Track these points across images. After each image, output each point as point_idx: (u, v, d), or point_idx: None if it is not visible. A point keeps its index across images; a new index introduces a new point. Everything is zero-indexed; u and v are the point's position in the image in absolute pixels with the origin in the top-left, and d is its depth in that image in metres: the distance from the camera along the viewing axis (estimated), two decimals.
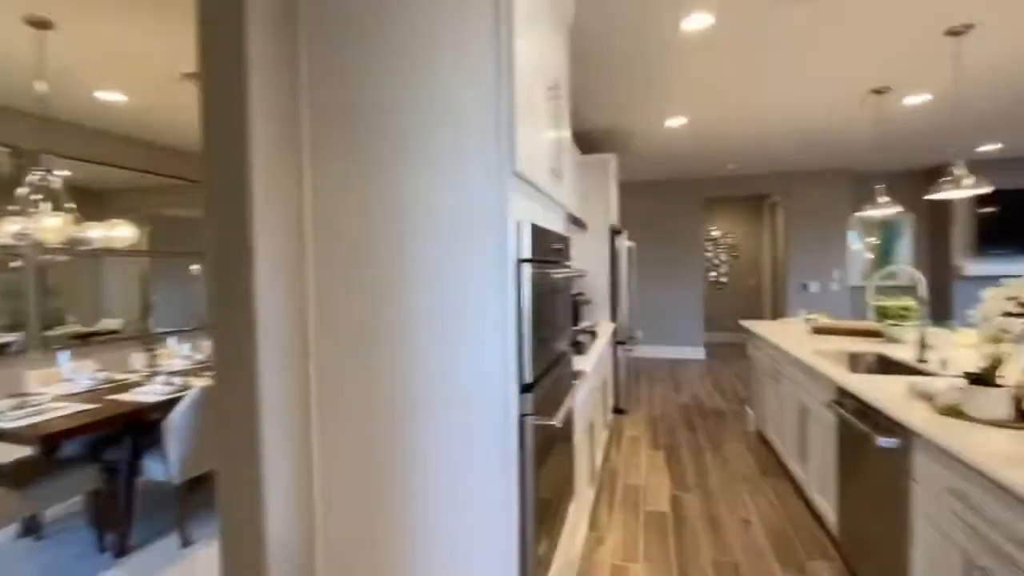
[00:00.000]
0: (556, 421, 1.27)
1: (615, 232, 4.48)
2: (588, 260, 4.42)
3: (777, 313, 7.22)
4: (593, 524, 2.59)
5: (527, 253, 1.22)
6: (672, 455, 3.49)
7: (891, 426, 1.66)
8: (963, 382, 1.55)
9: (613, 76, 3.22)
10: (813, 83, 3.39)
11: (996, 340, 1.62)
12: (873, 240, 7.12)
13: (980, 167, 6.07)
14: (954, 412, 1.56)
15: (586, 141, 4.69)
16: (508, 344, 1.17)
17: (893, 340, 2.96)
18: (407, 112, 1.20)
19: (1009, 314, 1.51)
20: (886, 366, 2.63)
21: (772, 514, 2.65)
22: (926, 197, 3.18)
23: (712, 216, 8.32)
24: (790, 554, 2.28)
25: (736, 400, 4.85)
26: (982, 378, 1.51)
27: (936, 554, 1.45)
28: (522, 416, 1.21)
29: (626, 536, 2.47)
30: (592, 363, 2.61)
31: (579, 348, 2.85)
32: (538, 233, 1.33)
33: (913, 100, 3.73)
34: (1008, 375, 1.55)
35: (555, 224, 1.78)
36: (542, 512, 1.34)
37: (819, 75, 3.25)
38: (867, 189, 6.72)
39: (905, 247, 6.84)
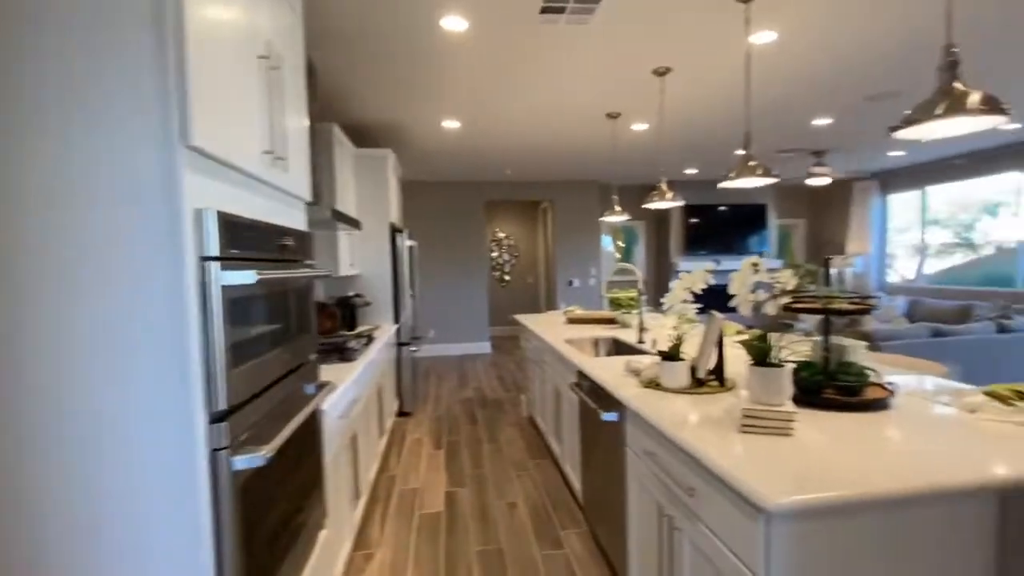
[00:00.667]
0: (266, 451, 1.07)
1: (396, 231, 4.36)
2: (366, 260, 4.20)
3: (550, 306, 8.09)
4: (361, 542, 2.41)
5: (215, 249, 0.99)
6: (452, 452, 3.53)
7: (612, 401, 1.91)
8: (658, 359, 1.87)
9: (380, 67, 3.08)
10: (564, 102, 3.81)
11: (690, 322, 2.00)
12: (620, 243, 8.55)
13: (687, 186, 7.87)
14: (654, 384, 1.86)
15: (361, 134, 4.44)
16: (188, 362, 0.93)
17: (625, 326, 3.52)
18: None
19: (687, 300, 1.87)
20: (619, 348, 3.09)
21: (535, 494, 2.87)
22: (643, 206, 3.87)
23: (496, 218, 8.88)
24: (548, 529, 2.49)
25: (515, 389, 5.22)
26: (670, 354, 1.83)
27: (643, 509, 1.70)
28: (214, 452, 0.98)
29: (397, 546, 2.37)
30: (358, 371, 2.44)
31: (346, 355, 2.64)
32: (242, 226, 1.11)
33: (637, 127, 4.52)
34: (688, 350, 1.92)
35: (283, 217, 1.56)
36: (263, 558, 1.12)
37: (567, 96, 3.67)
38: (609, 198, 8.06)
39: (641, 248, 8.38)
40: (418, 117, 4.08)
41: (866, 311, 1.60)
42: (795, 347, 2.04)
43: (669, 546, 1.48)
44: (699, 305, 1.96)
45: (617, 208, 4.24)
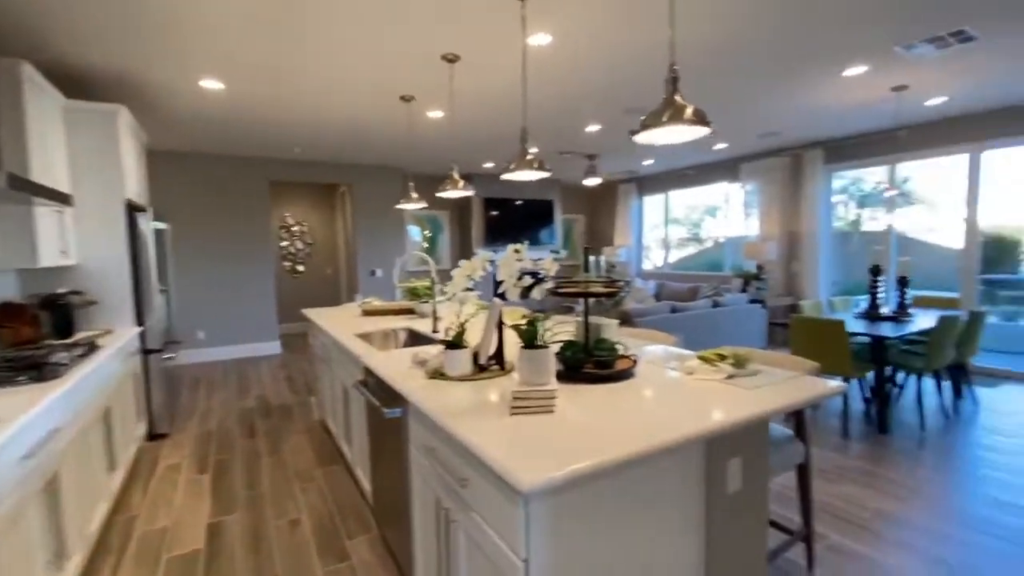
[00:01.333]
0: None
1: (135, 209, 3.48)
2: (89, 247, 3.26)
3: (352, 299, 7.61)
4: None
5: None
6: (220, 474, 3.00)
7: (395, 396, 1.80)
8: (443, 348, 1.82)
9: None
10: (353, 78, 3.52)
11: (484, 309, 1.99)
12: (427, 232, 8.49)
13: (486, 179, 8.21)
14: (439, 375, 1.81)
15: (79, 83, 3.42)
16: None
17: (423, 315, 3.45)
18: None
19: (469, 288, 1.87)
20: (416, 339, 3.00)
21: (322, 505, 2.61)
22: (436, 194, 3.84)
23: (286, 201, 7.94)
24: (333, 542, 2.27)
25: (307, 391, 4.74)
26: (453, 342, 1.80)
27: (425, 505, 1.64)
28: None
29: None
30: (61, 391, 1.84)
31: (45, 372, 1.98)
32: None
33: (433, 113, 4.47)
34: (474, 337, 1.92)
35: None
36: None
37: (356, 72, 3.40)
38: (421, 187, 7.95)
39: (446, 238, 8.47)
40: (166, 71, 3.31)
41: (615, 293, 1.80)
42: (563, 328, 2.21)
43: (446, 539, 1.44)
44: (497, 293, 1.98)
45: (414, 195, 4.13)
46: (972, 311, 3.67)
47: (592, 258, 1.87)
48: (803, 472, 1.92)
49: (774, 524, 2.10)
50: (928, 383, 4.35)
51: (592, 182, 6.66)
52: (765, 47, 3.16)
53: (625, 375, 1.77)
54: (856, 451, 3.13)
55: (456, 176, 3.53)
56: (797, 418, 1.93)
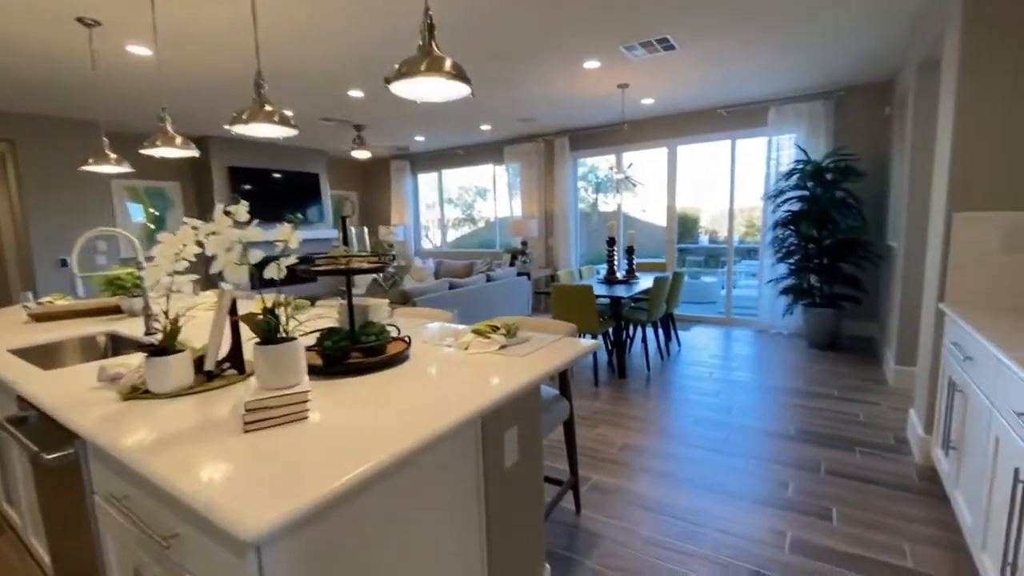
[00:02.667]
0: None
1: None
2: None
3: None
4: None
5: None
6: None
7: (67, 433, 1.25)
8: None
9: None
10: None
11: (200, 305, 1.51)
12: (152, 210, 6.72)
13: (234, 145, 6.86)
14: (140, 393, 1.32)
15: None
16: None
17: (134, 314, 2.63)
18: None
19: (180, 272, 1.40)
20: (120, 347, 2.25)
21: None
22: (140, 151, 2.93)
23: None
24: None
25: None
26: (161, 348, 1.33)
27: (124, 574, 1.18)
28: None
29: None
30: None
31: None
32: None
33: (136, 50, 3.41)
34: (196, 337, 1.46)
35: None
36: None
37: None
38: (129, 150, 6.16)
39: (179, 217, 6.85)
40: None
41: (381, 268, 1.59)
42: (326, 314, 1.90)
43: None
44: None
45: (111, 155, 3.10)
46: (674, 272, 4.64)
47: (353, 230, 1.61)
48: (568, 427, 2.07)
49: (546, 479, 2.24)
50: (650, 332, 5.40)
51: (361, 154, 6.21)
52: (514, 33, 3.28)
53: (398, 360, 1.59)
54: (605, 396, 3.65)
55: (169, 129, 2.75)
56: (562, 378, 2.06)
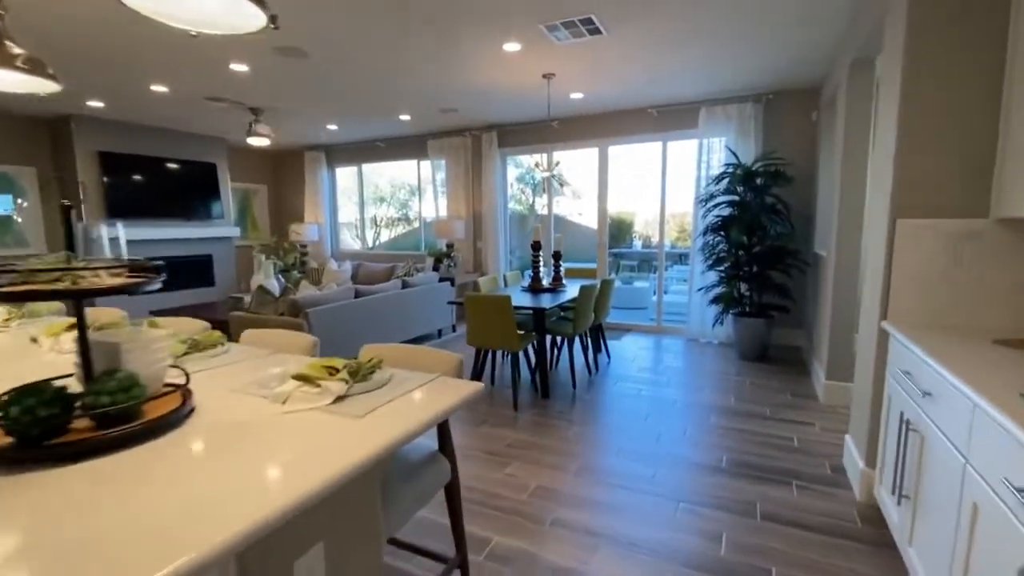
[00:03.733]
0: None
1: None
2: None
3: None
4: None
5: None
6: None
7: None
8: None
9: None
10: None
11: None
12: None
13: (103, 127, 5.80)
14: None
15: None
16: None
17: None
18: None
19: None
20: None
21: None
22: None
23: None
24: None
25: None
26: None
27: None
28: None
29: None
30: None
31: None
32: None
33: None
34: None
35: None
36: None
37: None
38: None
39: (35, 210, 5.72)
40: None
41: (133, 287, 1.03)
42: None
43: None
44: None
45: None
46: (603, 280, 4.29)
47: (81, 226, 1.03)
48: (451, 492, 1.57)
49: (426, 553, 1.74)
50: (577, 345, 5.05)
51: (258, 141, 5.43)
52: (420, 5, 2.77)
53: (161, 427, 1.03)
54: (523, 423, 3.20)
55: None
56: (441, 431, 1.56)
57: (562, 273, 4.42)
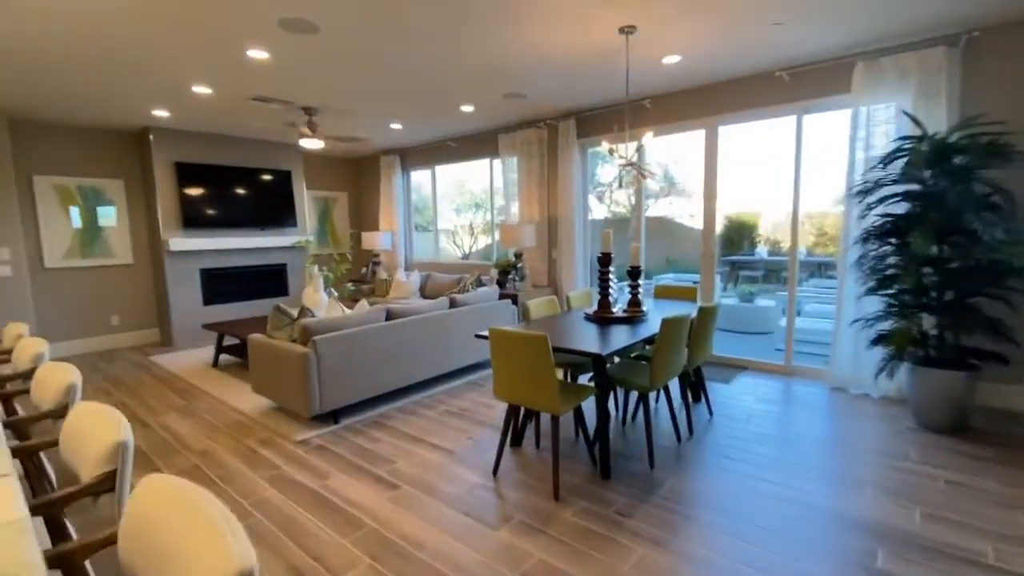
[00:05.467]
0: None
1: None
2: None
3: None
4: None
5: None
6: None
7: None
8: None
9: None
10: None
11: None
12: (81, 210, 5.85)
13: (179, 137, 5.71)
14: None
15: None
16: None
17: None
18: None
19: None
20: None
21: None
22: None
23: None
24: None
25: None
26: None
27: None
28: None
29: None
30: None
31: None
32: None
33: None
34: None
35: None
36: None
37: None
38: (51, 144, 5.30)
39: (124, 219, 5.93)
40: None
41: None
42: None
43: None
44: None
45: None
46: (702, 307, 3.05)
47: None
48: None
49: None
50: (660, 393, 3.80)
51: (311, 144, 5.01)
52: None
53: None
54: (563, 525, 2.15)
55: None
56: None
57: (639, 295, 3.26)
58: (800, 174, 4.05)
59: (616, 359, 3.18)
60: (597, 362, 2.47)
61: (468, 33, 3.17)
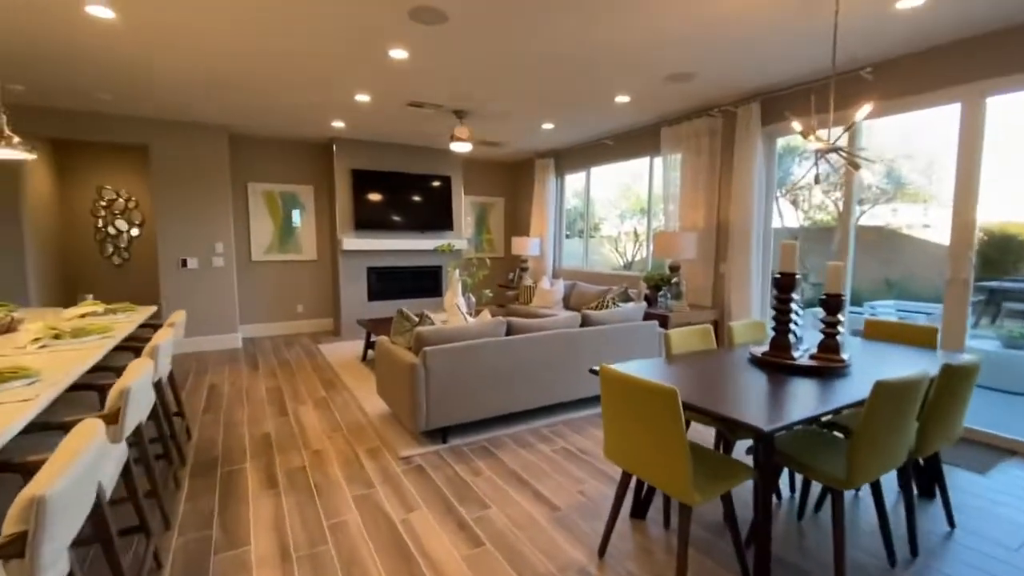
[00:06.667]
0: None
1: None
2: None
3: (149, 298, 5.84)
4: None
5: None
6: None
7: None
8: None
9: None
10: None
11: None
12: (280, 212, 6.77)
13: (354, 146, 6.32)
14: None
15: None
16: None
17: None
18: None
19: None
20: None
21: None
22: None
23: (99, 167, 6.23)
24: None
25: None
26: None
27: None
28: None
29: None
30: None
31: None
32: None
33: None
34: None
35: None
36: None
37: None
38: (261, 156, 6.24)
39: (310, 221, 6.72)
40: None
41: None
42: None
43: None
44: None
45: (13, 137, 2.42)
46: (946, 364, 1.97)
47: None
48: None
49: None
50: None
51: (460, 148, 4.95)
52: None
53: None
54: None
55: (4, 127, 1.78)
56: None
57: (838, 335, 2.27)
58: None
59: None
60: (759, 438, 1.70)
61: (626, 10, 2.60)
